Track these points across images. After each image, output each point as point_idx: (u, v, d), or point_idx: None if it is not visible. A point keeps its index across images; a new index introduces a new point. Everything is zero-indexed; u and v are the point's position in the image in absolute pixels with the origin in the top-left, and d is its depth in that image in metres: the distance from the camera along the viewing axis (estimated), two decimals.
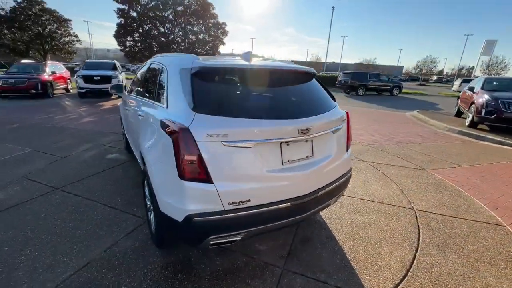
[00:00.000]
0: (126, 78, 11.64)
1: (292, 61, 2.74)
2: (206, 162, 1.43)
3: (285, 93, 1.94)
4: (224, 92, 1.72)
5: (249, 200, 1.55)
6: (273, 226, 1.66)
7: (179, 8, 15.60)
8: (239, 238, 1.59)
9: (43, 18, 17.36)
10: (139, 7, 14.23)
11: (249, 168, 1.54)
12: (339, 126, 1.93)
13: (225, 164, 1.49)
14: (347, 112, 2.11)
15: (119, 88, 3.51)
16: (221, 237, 1.55)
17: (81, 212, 2.28)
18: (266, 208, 1.58)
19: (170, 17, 15.61)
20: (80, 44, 21.28)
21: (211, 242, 1.55)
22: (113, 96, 10.70)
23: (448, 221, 2.40)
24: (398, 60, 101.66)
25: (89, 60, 12.09)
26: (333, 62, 62.86)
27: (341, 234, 2.17)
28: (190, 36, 16.72)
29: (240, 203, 1.53)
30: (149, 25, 15.22)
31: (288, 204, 1.64)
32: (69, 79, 12.38)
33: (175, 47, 16.17)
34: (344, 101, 11.87)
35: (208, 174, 1.45)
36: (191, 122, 1.43)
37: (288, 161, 1.64)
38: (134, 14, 14.33)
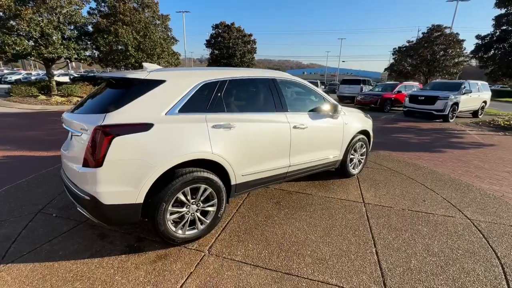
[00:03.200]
0: None
1: None
2: None
3: (101, 94, 2.28)
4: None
5: None
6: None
7: None
8: None
9: (436, 43, 18.96)
10: None
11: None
12: (77, 132, 2.00)
13: None
14: (97, 129, 1.78)
15: None
16: None
17: None
18: None
19: None
20: (468, 64, 19.57)
21: None
22: None
23: None
24: None
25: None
26: None
27: None
28: None
29: None
30: None
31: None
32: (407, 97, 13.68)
33: None
34: None
35: None
36: None
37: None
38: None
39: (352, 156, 3.82)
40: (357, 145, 3.83)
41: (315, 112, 3.20)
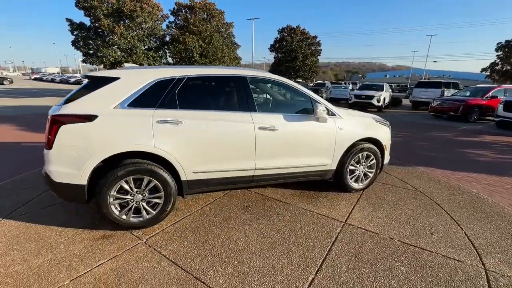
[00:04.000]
0: None
1: None
2: None
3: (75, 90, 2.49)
4: None
5: None
6: None
7: None
8: None
9: None
10: None
11: None
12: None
13: None
14: (51, 117, 2.14)
15: None
16: None
17: None
18: None
19: None
20: None
21: None
22: None
23: None
24: None
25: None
26: None
27: None
28: None
29: None
30: None
31: None
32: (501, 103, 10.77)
33: None
34: None
35: None
36: None
37: None
38: None
39: (353, 168, 3.27)
40: (360, 155, 3.25)
41: (297, 114, 2.91)
